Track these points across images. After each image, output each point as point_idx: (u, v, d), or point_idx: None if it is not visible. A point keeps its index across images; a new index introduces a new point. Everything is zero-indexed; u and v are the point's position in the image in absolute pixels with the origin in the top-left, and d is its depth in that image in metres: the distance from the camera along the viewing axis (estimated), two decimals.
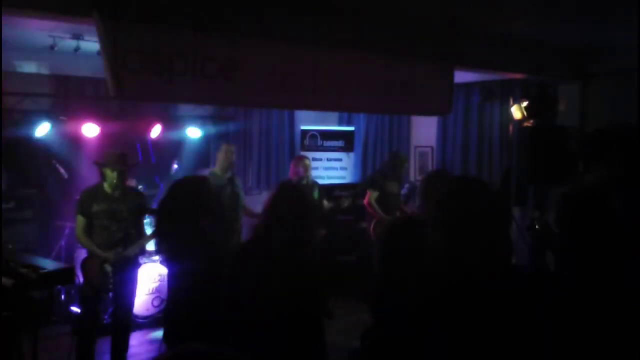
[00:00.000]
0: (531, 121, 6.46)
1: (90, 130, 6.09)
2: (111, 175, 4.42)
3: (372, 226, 6.62)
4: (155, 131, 6.58)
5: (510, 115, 6.84)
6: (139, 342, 5.47)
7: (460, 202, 2.13)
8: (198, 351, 1.10)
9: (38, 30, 4.85)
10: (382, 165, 7.15)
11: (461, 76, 5.84)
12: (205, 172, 5.92)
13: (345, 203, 6.84)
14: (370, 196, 6.53)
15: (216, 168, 5.91)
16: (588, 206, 2.67)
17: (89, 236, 4.45)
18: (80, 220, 4.45)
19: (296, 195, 2.96)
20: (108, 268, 4.38)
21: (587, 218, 2.66)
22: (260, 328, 2.68)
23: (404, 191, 7.19)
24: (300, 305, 2.71)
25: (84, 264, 4.46)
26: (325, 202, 6.61)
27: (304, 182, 6.30)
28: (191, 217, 3.28)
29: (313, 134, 8.03)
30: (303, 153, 7.83)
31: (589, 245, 2.60)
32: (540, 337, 2.09)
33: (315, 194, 6.43)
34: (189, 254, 3.22)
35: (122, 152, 4.54)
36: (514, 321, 2.07)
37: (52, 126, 5.92)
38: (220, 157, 5.87)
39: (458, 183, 2.30)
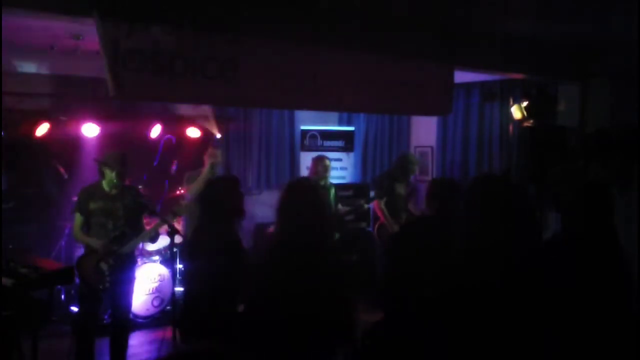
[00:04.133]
0: (531, 121, 6.45)
1: (90, 130, 6.09)
2: (110, 174, 4.44)
3: (376, 228, 6.61)
4: (155, 131, 6.58)
5: (510, 115, 6.83)
6: (139, 342, 5.46)
7: (478, 202, 2.15)
8: (204, 351, 1.10)
9: (38, 30, 4.85)
10: (391, 167, 7.08)
11: (461, 76, 5.83)
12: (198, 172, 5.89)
13: (365, 207, 6.80)
14: (378, 202, 6.50)
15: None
16: (587, 205, 2.67)
17: (86, 234, 4.47)
18: (78, 217, 4.49)
19: (311, 196, 2.90)
20: (104, 267, 4.37)
21: (585, 216, 2.66)
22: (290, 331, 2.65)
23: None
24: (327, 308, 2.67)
25: (79, 262, 4.47)
26: (340, 206, 6.56)
27: (322, 182, 6.19)
28: (229, 217, 3.42)
29: (313, 134, 8.02)
30: (303, 152, 7.83)
31: (587, 243, 2.60)
32: (542, 338, 2.09)
33: (332, 196, 6.37)
34: (225, 253, 3.30)
35: (122, 152, 4.56)
36: (514, 322, 2.06)
37: (52, 126, 5.91)
38: (205, 160, 5.79)
39: (478, 183, 2.32)
